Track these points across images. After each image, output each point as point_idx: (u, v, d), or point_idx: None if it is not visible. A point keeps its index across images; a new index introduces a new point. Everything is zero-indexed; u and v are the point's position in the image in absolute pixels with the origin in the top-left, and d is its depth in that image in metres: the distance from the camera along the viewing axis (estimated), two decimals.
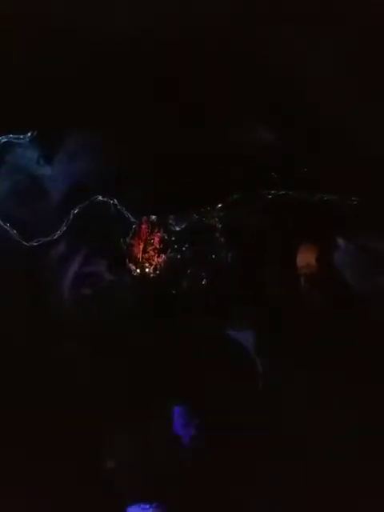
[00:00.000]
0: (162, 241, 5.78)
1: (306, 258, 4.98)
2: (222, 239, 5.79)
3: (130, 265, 5.64)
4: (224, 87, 5.23)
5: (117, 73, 5.02)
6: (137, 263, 5.67)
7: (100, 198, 5.80)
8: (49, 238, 5.52)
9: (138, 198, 5.75)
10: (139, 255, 5.68)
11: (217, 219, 5.84)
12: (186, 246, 5.80)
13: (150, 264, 5.65)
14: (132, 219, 5.83)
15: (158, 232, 5.79)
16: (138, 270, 5.64)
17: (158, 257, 5.69)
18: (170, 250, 5.75)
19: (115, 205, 5.85)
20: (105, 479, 3.47)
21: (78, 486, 3.47)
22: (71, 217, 5.63)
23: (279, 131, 5.68)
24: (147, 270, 5.64)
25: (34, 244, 5.41)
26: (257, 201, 5.79)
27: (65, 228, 5.58)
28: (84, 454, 3.68)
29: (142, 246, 5.70)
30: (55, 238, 5.52)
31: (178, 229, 5.88)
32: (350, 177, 5.31)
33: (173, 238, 5.85)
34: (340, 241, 5.07)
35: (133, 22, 4.76)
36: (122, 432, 3.89)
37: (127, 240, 5.73)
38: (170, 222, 5.89)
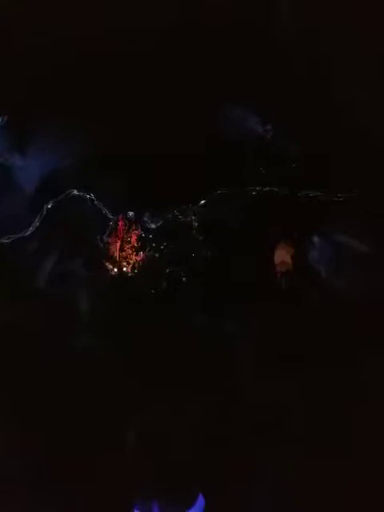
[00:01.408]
0: (139, 239, 5.78)
1: (281, 256, 5.20)
2: (201, 237, 5.83)
3: (107, 264, 5.62)
4: (209, 77, 5.29)
5: (95, 63, 5.03)
6: (114, 262, 5.64)
7: (75, 192, 5.79)
8: (20, 235, 5.49)
9: (116, 193, 5.73)
10: (116, 254, 5.66)
11: (193, 217, 5.88)
12: (165, 244, 5.82)
13: (128, 263, 5.64)
14: (109, 215, 5.82)
15: (136, 230, 5.78)
16: (116, 269, 5.62)
17: (136, 255, 5.69)
18: (148, 248, 5.76)
19: (92, 200, 5.85)
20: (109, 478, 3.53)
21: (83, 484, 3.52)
22: (45, 212, 5.63)
23: (269, 124, 5.83)
24: (125, 269, 5.63)
25: (5, 241, 5.37)
26: (240, 197, 5.86)
27: (38, 224, 5.58)
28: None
29: (118, 244, 5.68)
30: (27, 234, 5.53)
31: (153, 227, 5.89)
32: (339, 172, 5.46)
33: (150, 236, 5.86)
34: (315, 239, 5.26)
35: (112, 12, 4.82)
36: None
37: (104, 238, 5.72)
38: (145, 219, 5.90)
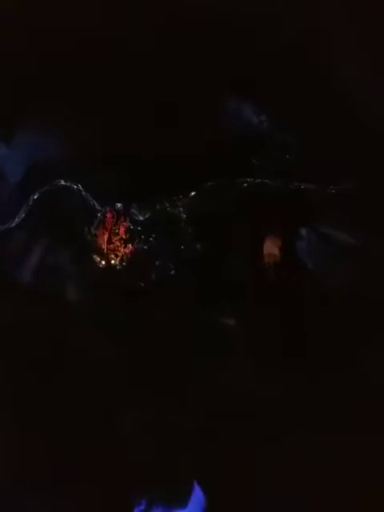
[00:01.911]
0: (127, 231, 5.75)
1: (268, 248, 5.29)
2: (190, 230, 5.83)
3: (95, 256, 5.59)
4: (201, 64, 5.27)
5: (84, 52, 5.00)
6: (102, 254, 5.61)
7: (63, 182, 5.67)
8: (5, 227, 5.42)
9: (104, 183, 5.69)
10: (104, 246, 5.62)
11: (181, 209, 5.87)
12: (153, 236, 5.80)
13: (116, 255, 5.61)
14: (98, 207, 5.75)
15: (124, 221, 5.75)
16: (103, 262, 5.59)
17: (125, 247, 5.66)
18: (137, 241, 5.73)
19: (79, 190, 5.73)
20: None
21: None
22: (31, 203, 5.53)
23: (264, 114, 5.84)
24: (113, 261, 5.61)
25: None
26: (231, 189, 5.86)
27: (23, 215, 5.47)
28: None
29: (106, 237, 5.64)
30: (13, 226, 5.44)
31: (141, 218, 5.87)
32: (334, 164, 5.50)
33: (139, 228, 5.83)
34: (303, 231, 5.34)
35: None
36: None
37: (92, 230, 5.68)
38: (133, 211, 5.87)
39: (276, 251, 5.19)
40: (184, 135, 5.54)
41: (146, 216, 5.89)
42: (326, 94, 5.28)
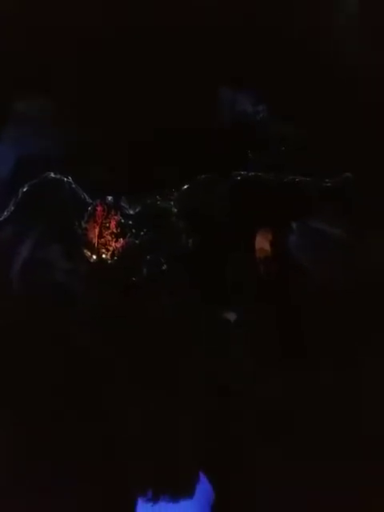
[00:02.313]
0: (118, 224, 5.71)
1: (260, 243, 5.31)
2: (181, 224, 5.81)
3: (86, 251, 5.55)
4: (197, 55, 5.23)
5: (75, 45, 4.96)
6: (92, 249, 5.57)
7: (52, 174, 5.66)
8: None
9: (95, 176, 5.65)
10: (95, 240, 5.59)
11: (172, 203, 5.85)
12: (145, 230, 5.78)
13: (107, 250, 5.58)
14: (88, 200, 5.72)
15: (115, 215, 5.71)
16: (94, 257, 5.56)
17: (116, 242, 5.62)
18: (129, 235, 5.71)
19: (69, 183, 5.71)
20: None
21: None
22: (20, 196, 5.50)
23: (261, 105, 5.81)
24: (104, 256, 5.57)
25: None
26: (224, 183, 5.85)
27: (12, 208, 5.47)
28: None
29: (97, 231, 5.60)
30: (1, 220, 5.43)
31: (131, 212, 5.84)
32: (330, 157, 5.51)
33: (130, 222, 5.80)
34: (294, 225, 5.36)
35: None
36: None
37: (82, 223, 5.64)
38: (123, 204, 5.84)
39: (267, 246, 5.21)
40: (178, 127, 5.52)
41: (137, 210, 5.86)
42: (327, 83, 5.28)
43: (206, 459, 3.42)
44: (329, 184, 5.79)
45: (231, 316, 4.76)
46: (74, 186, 5.67)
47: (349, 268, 4.82)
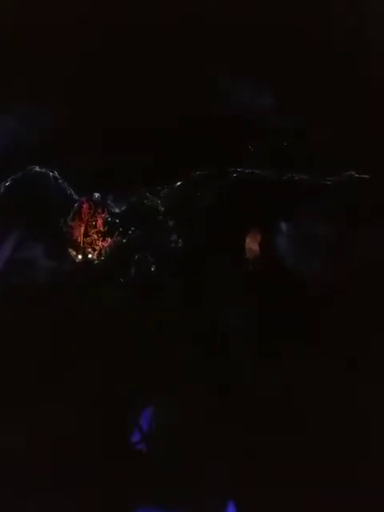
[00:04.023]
0: (105, 223, 5.74)
1: (248, 243, 5.41)
2: (171, 223, 5.86)
3: (71, 250, 5.58)
4: (195, 41, 5.19)
5: (61, 35, 4.93)
6: (77, 248, 5.61)
7: (37, 168, 5.72)
8: None
9: (82, 171, 5.58)
10: (80, 239, 5.61)
11: (159, 201, 5.86)
12: (133, 229, 5.81)
13: (94, 249, 5.60)
14: (75, 196, 5.76)
15: (102, 213, 5.74)
16: (80, 256, 5.60)
17: (103, 241, 5.67)
18: (116, 234, 5.75)
19: (55, 178, 5.78)
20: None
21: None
22: (2, 190, 5.58)
23: (265, 96, 5.77)
24: (90, 255, 5.62)
25: None
26: (219, 179, 5.88)
27: None
28: None
29: (83, 229, 5.62)
30: None
31: (117, 211, 5.86)
32: (333, 154, 5.54)
33: (117, 221, 5.84)
34: (283, 225, 5.46)
35: None
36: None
37: (68, 221, 5.68)
38: (109, 202, 5.85)
39: (255, 246, 5.31)
40: (173, 119, 5.50)
41: (123, 208, 5.88)
42: (335, 76, 5.27)
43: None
44: (329, 182, 5.84)
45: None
46: (60, 180, 5.67)
47: (337, 267, 4.97)
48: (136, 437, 3.49)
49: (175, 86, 5.50)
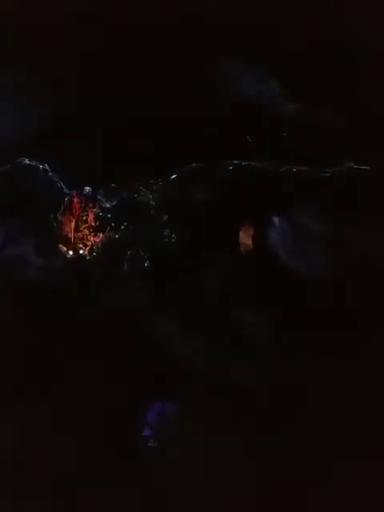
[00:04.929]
0: (97, 218, 5.70)
1: (242, 237, 5.47)
2: (164, 218, 5.82)
3: (61, 246, 5.55)
4: (196, 24, 5.13)
5: (57, 22, 4.91)
6: (68, 244, 5.57)
7: (27, 161, 5.64)
8: None
9: (74, 163, 5.59)
10: (70, 234, 5.56)
11: (150, 196, 5.82)
12: (125, 224, 5.77)
13: (85, 245, 5.56)
14: (65, 190, 5.70)
15: (93, 208, 5.69)
16: (71, 252, 5.57)
17: (95, 236, 5.62)
18: (108, 229, 5.71)
19: (46, 170, 5.68)
20: None
21: None
22: None
23: (266, 83, 5.71)
24: (82, 251, 5.58)
25: None
26: (215, 172, 5.83)
27: None
28: None
29: (73, 224, 5.57)
30: None
31: (108, 205, 5.82)
32: (334, 144, 5.51)
33: (109, 216, 5.79)
34: (275, 219, 5.48)
35: None
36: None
37: (58, 216, 5.65)
38: (99, 197, 5.81)
39: (248, 240, 5.44)
40: (171, 108, 5.48)
41: (113, 203, 5.82)
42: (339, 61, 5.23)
43: None
44: (328, 174, 5.82)
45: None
46: (50, 173, 5.62)
47: (329, 262, 5.03)
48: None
49: (170, 76, 5.47)
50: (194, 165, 5.86)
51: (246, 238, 5.35)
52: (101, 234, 5.64)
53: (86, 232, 5.61)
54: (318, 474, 4.07)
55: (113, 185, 5.78)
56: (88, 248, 5.60)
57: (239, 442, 4.26)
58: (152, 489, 4.11)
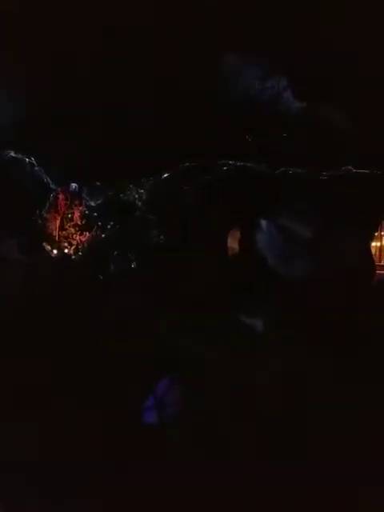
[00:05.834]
0: (83, 216, 5.67)
1: (229, 241, 5.50)
2: (152, 218, 5.82)
3: (46, 244, 5.50)
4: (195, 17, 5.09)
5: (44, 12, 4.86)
6: (52, 242, 5.52)
7: (12, 153, 5.58)
8: None
9: (61, 158, 5.47)
10: (55, 232, 5.53)
11: (136, 196, 5.80)
12: (112, 223, 5.75)
13: (70, 243, 5.53)
14: (52, 185, 5.66)
15: (80, 205, 5.65)
16: (55, 251, 5.52)
17: (80, 235, 5.60)
18: (94, 228, 5.69)
19: (32, 164, 5.64)
20: None
21: None
22: None
23: (270, 80, 5.69)
24: (66, 250, 5.54)
25: None
26: (207, 173, 5.83)
27: None
28: None
29: (58, 222, 5.55)
30: None
31: (93, 204, 5.79)
32: (334, 147, 5.54)
33: (95, 214, 5.77)
34: (263, 223, 5.49)
35: None
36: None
37: (43, 213, 5.59)
38: (84, 195, 5.77)
39: (235, 244, 5.45)
40: (166, 103, 5.41)
41: (98, 202, 5.79)
42: (335, 65, 5.24)
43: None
44: (325, 177, 5.85)
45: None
46: (36, 168, 5.56)
47: (315, 266, 5.06)
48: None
49: (164, 72, 5.43)
50: (187, 164, 5.82)
51: (232, 242, 5.35)
52: (87, 233, 5.60)
53: (72, 230, 5.57)
54: (318, 473, 4.07)
55: (98, 183, 5.69)
56: (73, 247, 5.56)
57: (239, 442, 4.25)
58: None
